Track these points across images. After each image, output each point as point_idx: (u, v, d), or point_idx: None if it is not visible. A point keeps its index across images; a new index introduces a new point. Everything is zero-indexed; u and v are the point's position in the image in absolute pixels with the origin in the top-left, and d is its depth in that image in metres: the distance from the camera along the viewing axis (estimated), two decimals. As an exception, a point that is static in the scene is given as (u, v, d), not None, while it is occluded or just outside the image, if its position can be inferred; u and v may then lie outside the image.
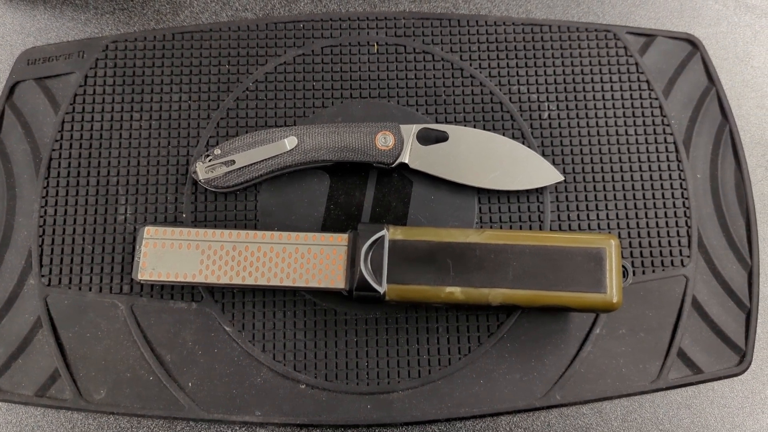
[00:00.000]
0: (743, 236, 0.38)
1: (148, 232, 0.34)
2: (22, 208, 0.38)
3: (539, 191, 0.38)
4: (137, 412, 0.35)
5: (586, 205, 0.38)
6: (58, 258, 0.37)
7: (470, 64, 0.40)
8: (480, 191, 0.38)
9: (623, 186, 0.39)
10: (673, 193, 0.38)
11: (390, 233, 0.33)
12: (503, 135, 0.39)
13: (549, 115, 0.40)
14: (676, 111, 0.40)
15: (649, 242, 0.38)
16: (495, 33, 0.41)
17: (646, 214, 0.38)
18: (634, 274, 0.37)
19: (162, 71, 0.40)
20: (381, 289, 0.32)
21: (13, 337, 0.36)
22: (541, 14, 0.43)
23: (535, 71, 0.40)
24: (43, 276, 0.36)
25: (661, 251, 0.38)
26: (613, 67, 0.40)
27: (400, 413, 0.35)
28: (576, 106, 0.40)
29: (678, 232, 0.38)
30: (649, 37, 0.41)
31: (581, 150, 0.39)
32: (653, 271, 0.37)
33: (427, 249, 0.33)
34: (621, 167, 0.39)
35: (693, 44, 0.41)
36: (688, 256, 0.37)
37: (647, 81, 0.40)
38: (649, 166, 0.39)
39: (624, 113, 0.40)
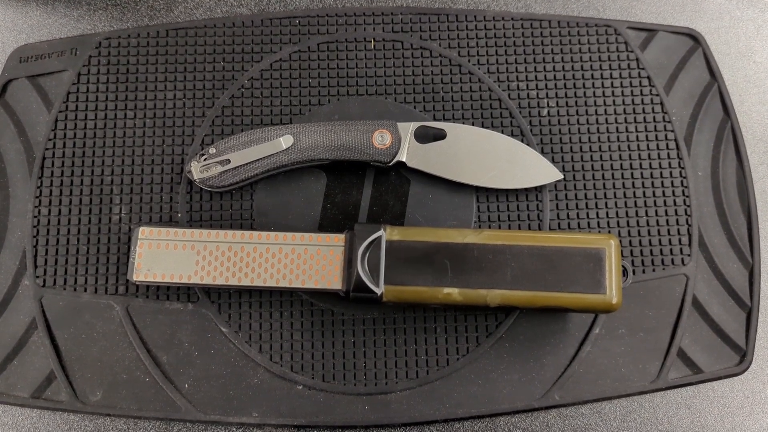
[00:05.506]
0: (744, 235, 0.38)
1: (143, 232, 0.34)
2: (16, 207, 0.37)
3: (538, 189, 0.38)
4: (134, 414, 0.35)
5: (586, 203, 0.38)
6: (53, 259, 0.36)
7: (469, 60, 0.40)
8: (478, 190, 0.37)
9: (623, 183, 0.38)
10: (673, 191, 0.38)
11: (387, 234, 0.33)
12: (502, 132, 0.38)
13: (548, 112, 0.39)
14: (677, 107, 0.39)
15: (649, 240, 0.37)
16: (494, 28, 0.40)
17: (646, 212, 0.38)
18: (634, 273, 0.37)
19: (156, 68, 0.39)
20: (378, 291, 0.32)
21: (8, 338, 0.35)
22: (540, 9, 0.42)
23: (535, 67, 0.40)
24: (37, 277, 0.36)
25: (661, 250, 0.37)
26: (613, 62, 0.40)
27: (398, 414, 0.35)
28: (576, 102, 0.39)
29: (678, 230, 0.37)
30: (650, 32, 0.41)
31: (581, 147, 0.38)
32: (653, 270, 0.37)
33: (425, 250, 0.32)
34: (621, 164, 0.38)
35: (695, 39, 0.41)
36: (689, 255, 0.37)
37: (648, 77, 0.40)
38: (650, 164, 0.38)
39: (624, 110, 0.39)
